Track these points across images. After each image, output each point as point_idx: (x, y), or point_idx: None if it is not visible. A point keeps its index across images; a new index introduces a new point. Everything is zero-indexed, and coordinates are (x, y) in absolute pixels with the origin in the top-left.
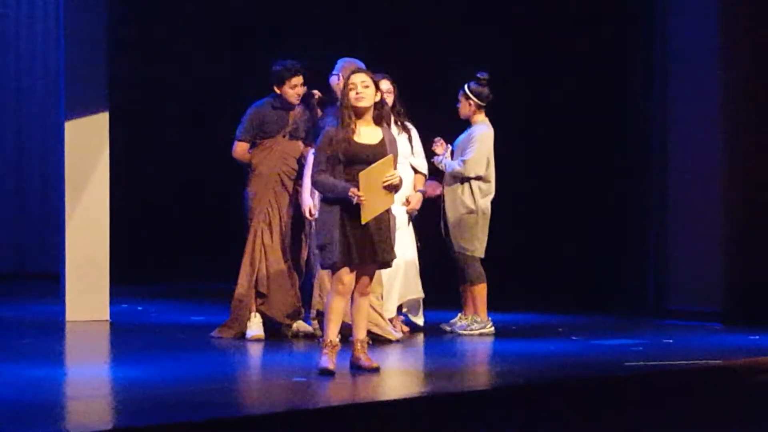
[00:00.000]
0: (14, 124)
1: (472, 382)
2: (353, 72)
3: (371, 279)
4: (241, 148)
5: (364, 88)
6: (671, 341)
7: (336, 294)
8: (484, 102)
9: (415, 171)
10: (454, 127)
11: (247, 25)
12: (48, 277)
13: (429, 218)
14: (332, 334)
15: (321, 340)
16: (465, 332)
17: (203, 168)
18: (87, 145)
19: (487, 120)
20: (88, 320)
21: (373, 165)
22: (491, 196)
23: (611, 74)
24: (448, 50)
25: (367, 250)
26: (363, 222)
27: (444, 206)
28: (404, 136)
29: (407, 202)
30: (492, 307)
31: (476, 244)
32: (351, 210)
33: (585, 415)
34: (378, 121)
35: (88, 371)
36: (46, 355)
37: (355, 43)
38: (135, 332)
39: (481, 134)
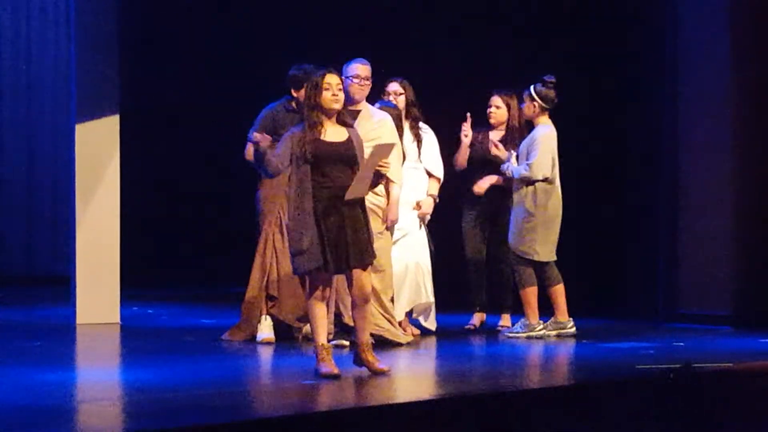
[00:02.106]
0: (25, 127)
1: (481, 385)
2: (328, 73)
3: (364, 282)
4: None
5: (339, 91)
6: (682, 344)
7: (314, 300)
8: (548, 105)
9: (430, 175)
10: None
11: (260, 29)
12: (58, 280)
13: (444, 223)
14: (321, 338)
15: (314, 345)
16: (511, 334)
17: (214, 170)
18: (98, 148)
19: (549, 122)
20: (98, 323)
21: (378, 146)
22: (557, 197)
23: (621, 75)
24: (457, 53)
25: (342, 255)
26: (346, 198)
27: (511, 209)
28: (413, 145)
29: (418, 206)
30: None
31: (535, 247)
32: (325, 210)
33: (595, 419)
34: (342, 122)
35: (98, 374)
36: (57, 358)
37: (369, 47)
38: (145, 335)
39: (543, 135)
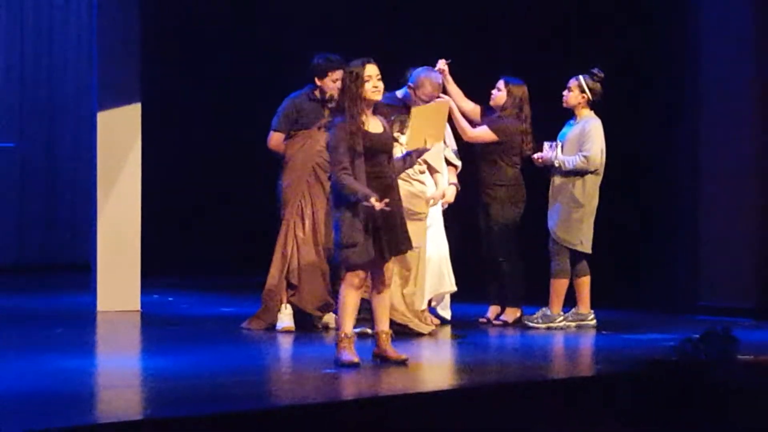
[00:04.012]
0: (46, 116)
1: (501, 375)
2: (367, 62)
3: (390, 268)
4: (276, 139)
5: (379, 81)
6: None
7: (352, 288)
8: (595, 98)
9: (449, 163)
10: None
11: (280, 20)
12: (79, 268)
13: (459, 212)
14: (348, 327)
15: (337, 333)
16: (531, 323)
17: (236, 159)
18: (119, 137)
19: (593, 113)
20: (119, 311)
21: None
22: (598, 188)
23: (642, 71)
24: (473, 45)
25: (393, 243)
26: (408, 146)
27: (551, 198)
28: None
29: (442, 194)
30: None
31: (581, 238)
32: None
33: (616, 410)
34: (374, 111)
35: (118, 362)
36: (78, 345)
37: (384, 40)
38: (165, 323)
39: (594, 127)
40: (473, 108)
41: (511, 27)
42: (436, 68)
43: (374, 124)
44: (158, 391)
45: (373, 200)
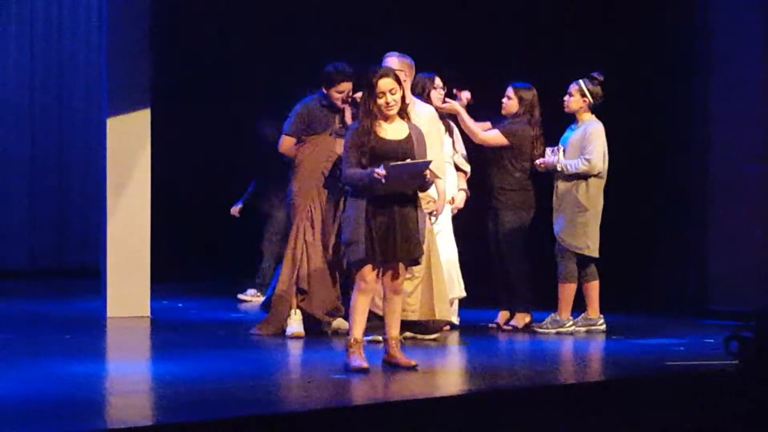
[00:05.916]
0: (56, 121)
1: (511, 381)
2: (381, 77)
3: (400, 275)
4: (288, 143)
5: (393, 95)
6: (712, 341)
7: (359, 292)
8: (596, 101)
9: (458, 169)
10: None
11: (289, 23)
12: (89, 274)
13: (466, 218)
14: (357, 332)
15: (346, 338)
16: (540, 329)
17: (245, 165)
18: (129, 142)
19: (594, 117)
20: (128, 316)
21: (409, 162)
22: (602, 192)
23: (652, 70)
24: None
25: (391, 246)
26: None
27: (555, 203)
28: (449, 139)
29: (452, 200)
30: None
31: (587, 242)
32: (377, 205)
33: (625, 414)
34: (402, 115)
35: (128, 367)
36: (87, 351)
37: (394, 41)
38: (175, 329)
39: (596, 130)
40: (483, 125)
41: (513, 31)
42: (458, 94)
43: (395, 131)
44: (168, 396)
45: (376, 173)
